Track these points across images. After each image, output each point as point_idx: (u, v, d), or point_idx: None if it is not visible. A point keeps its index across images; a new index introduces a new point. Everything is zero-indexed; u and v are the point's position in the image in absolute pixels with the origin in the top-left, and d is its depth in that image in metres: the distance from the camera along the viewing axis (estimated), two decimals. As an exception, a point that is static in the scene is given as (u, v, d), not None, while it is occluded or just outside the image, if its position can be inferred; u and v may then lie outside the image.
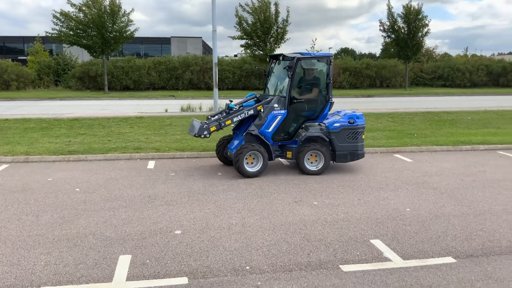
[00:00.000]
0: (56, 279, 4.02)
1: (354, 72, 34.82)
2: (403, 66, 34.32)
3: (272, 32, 28.31)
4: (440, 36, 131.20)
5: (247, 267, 4.26)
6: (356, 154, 8.20)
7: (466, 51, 49.52)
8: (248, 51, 29.96)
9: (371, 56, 55.39)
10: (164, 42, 54.94)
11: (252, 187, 7.15)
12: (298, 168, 8.04)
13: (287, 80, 7.88)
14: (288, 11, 28.35)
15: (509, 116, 15.93)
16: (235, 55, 47.13)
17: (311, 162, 8.01)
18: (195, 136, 7.80)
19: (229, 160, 8.47)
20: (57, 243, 4.81)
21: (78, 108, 19.11)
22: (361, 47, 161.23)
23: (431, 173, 8.26)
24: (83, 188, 6.99)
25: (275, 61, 8.72)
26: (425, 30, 31.37)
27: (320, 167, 7.97)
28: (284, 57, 8.21)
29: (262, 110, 7.83)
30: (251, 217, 5.68)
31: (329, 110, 8.25)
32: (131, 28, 28.22)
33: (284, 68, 7.99)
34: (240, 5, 27.83)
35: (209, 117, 8.21)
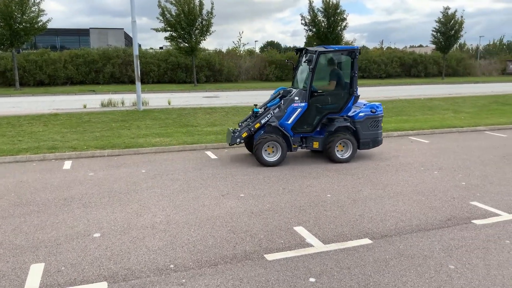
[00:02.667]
0: (-45, 297, 3.61)
1: (280, 65, 35.57)
2: (325, 58, 35.71)
3: (197, 24, 27.88)
4: (359, 30, 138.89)
5: (171, 266, 4.16)
6: (377, 141, 8.74)
7: (382, 44, 52.85)
8: (173, 43, 29.23)
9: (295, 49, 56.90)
10: (82, 33, 51.71)
11: (178, 183, 7.00)
12: (328, 157, 8.41)
13: (309, 73, 8.09)
14: (212, 3, 28.14)
15: (419, 104, 17.29)
16: (161, 48, 45.78)
17: (339, 151, 8.40)
18: (230, 145, 8.27)
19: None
20: (-44, 257, 4.32)
21: (-16, 106, 17.34)
22: (287, 41, 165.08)
23: (350, 160, 8.69)
24: (-12, 194, 6.36)
25: (302, 54, 8.88)
26: (344, 24, 32.90)
27: (348, 155, 8.41)
28: (307, 50, 8.45)
29: (282, 102, 8.11)
30: (177, 214, 5.56)
31: (353, 104, 8.45)
32: (43, 18, 26.16)
33: (304, 61, 8.24)
34: (161, -5, 26.99)
35: (240, 123, 8.68)
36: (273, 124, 8.08)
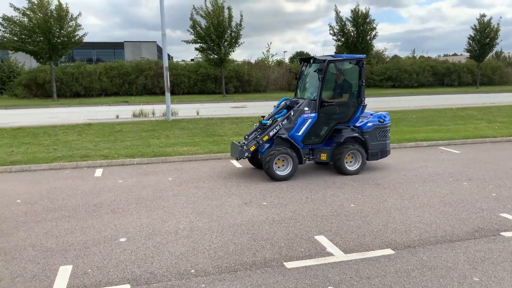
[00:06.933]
0: (-11, 295, 3.84)
1: (308, 74, 35.55)
2: (354, 68, 35.46)
3: (226, 36, 28.40)
4: (392, 39, 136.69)
5: (192, 271, 4.26)
6: (385, 151, 8.53)
7: (414, 53, 51.93)
8: (203, 54, 29.87)
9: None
10: (117, 47, 53.59)
11: (202, 190, 7.13)
12: (336, 169, 8.15)
13: (317, 83, 7.80)
14: (241, 16, 28.59)
15: (451, 114, 16.86)
16: (192, 60, 46.83)
17: (348, 163, 8.13)
18: (237, 159, 7.92)
19: (260, 163, 8.41)
20: (-8, 258, 4.59)
21: (24, 116, 18.26)
22: (317, 51, 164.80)
23: (375, 169, 8.58)
24: (24, 199, 6.70)
25: (306, 64, 8.68)
26: (373, 33, 32.63)
27: (358, 166, 8.17)
28: (315, 60, 8.23)
29: (292, 114, 7.80)
30: (200, 221, 5.68)
31: (361, 113, 8.25)
32: (80, 32, 27.39)
33: (314, 71, 7.97)
34: (194, 8, 27.75)
35: (246, 136, 8.24)
36: (283, 136, 7.75)
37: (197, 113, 16.99)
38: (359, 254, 4.62)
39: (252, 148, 7.80)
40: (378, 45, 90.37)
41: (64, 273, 4.22)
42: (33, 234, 5.23)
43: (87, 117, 16.55)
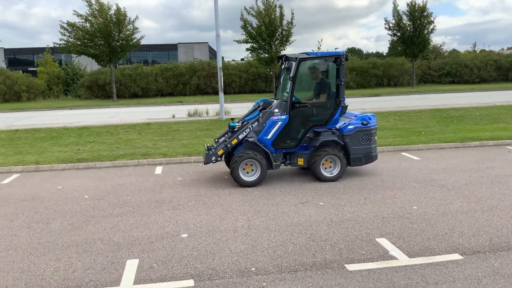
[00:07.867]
0: (65, 284, 4.09)
1: (361, 71, 34.80)
2: (410, 64, 34.15)
3: (277, 34, 28.41)
4: (450, 32, 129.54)
5: (253, 268, 4.29)
6: (370, 156, 7.85)
7: (474, 46, 49.13)
8: (254, 54, 30.12)
9: (378, 55, 55.17)
10: (171, 48, 55.41)
11: (258, 189, 7.18)
12: (313, 175, 7.62)
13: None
14: (292, 13, 28.50)
15: (519, 111, 15.75)
16: (242, 59, 47.37)
17: (326, 168, 7.60)
18: (205, 163, 7.65)
19: None
20: (66, 249, 4.90)
21: (87, 116, 19.37)
22: (370, 46, 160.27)
23: (438, 170, 8.20)
24: (91, 195, 7.10)
25: (284, 62, 8.09)
26: (431, 27, 31.22)
27: (336, 173, 7.58)
28: (287, 58, 7.79)
29: (261, 115, 7.45)
30: (257, 219, 5.72)
31: (340, 115, 7.66)
32: (137, 35, 28.57)
33: (283, 69, 7.69)
34: (245, 8, 28.03)
35: (216, 139, 8.01)
36: (251, 139, 7.30)
37: (250, 112, 17.15)
38: (424, 259, 4.43)
39: (220, 152, 7.44)
40: (435, 39, 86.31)
41: (131, 267, 4.42)
42: (101, 228, 5.53)
43: (145, 117, 17.25)
